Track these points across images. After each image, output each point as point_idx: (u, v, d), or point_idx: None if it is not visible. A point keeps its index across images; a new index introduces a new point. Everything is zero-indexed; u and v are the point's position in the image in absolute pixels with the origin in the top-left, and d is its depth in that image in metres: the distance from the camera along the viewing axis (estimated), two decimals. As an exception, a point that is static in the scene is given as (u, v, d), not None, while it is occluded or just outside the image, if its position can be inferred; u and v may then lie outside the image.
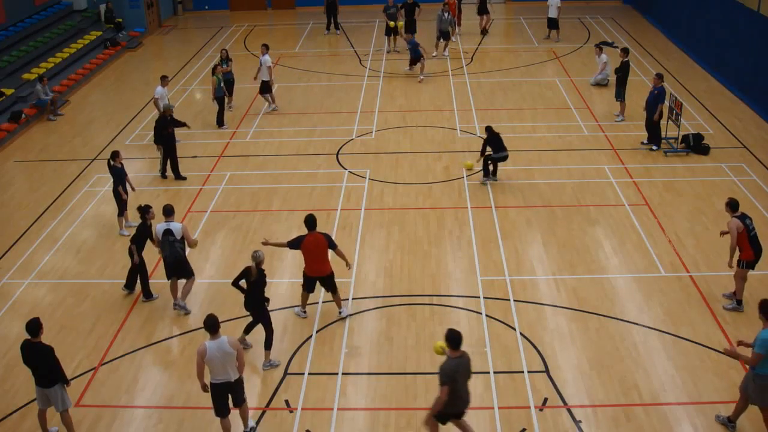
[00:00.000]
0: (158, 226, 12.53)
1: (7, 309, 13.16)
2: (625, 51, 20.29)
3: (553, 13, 27.69)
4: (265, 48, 21.28)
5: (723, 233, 12.66)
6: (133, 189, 15.58)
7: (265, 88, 21.38)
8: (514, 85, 23.30)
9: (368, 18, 32.30)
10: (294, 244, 11.97)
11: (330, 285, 12.20)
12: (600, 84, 22.75)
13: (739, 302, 12.30)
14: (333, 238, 13.16)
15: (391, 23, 26.41)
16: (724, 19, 23.38)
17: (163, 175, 17.79)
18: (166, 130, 17.32)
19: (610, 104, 21.09)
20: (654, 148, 18.26)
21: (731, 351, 9.67)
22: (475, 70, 24.92)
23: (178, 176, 17.68)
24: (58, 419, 10.11)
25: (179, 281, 12.77)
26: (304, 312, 12.47)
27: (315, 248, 11.84)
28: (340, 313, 12.40)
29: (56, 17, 28.75)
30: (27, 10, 27.59)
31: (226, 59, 21.28)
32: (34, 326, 9.65)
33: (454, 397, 8.98)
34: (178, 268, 12.57)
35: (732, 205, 12.20)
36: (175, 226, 12.41)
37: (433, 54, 26.24)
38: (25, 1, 27.63)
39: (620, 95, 20.08)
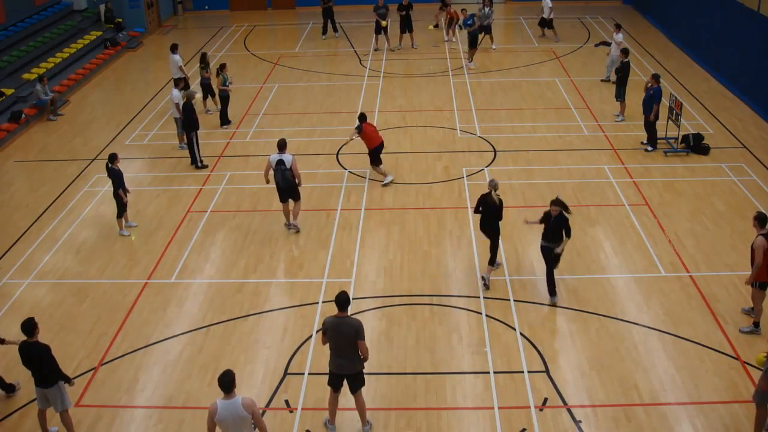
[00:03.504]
0: (272, 156, 14.59)
1: (7, 309, 13.16)
2: (625, 52, 20.28)
3: (545, 15, 28.08)
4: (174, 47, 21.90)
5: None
6: (128, 192, 15.47)
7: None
8: (514, 85, 23.31)
9: (368, 18, 32.23)
10: (359, 128, 16.48)
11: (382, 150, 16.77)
12: (611, 73, 22.33)
13: (756, 324, 11.80)
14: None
15: (383, 22, 26.55)
16: (724, 19, 23.38)
17: (202, 165, 18.13)
18: (193, 115, 17.75)
19: (610, 104, 21.10)
20: (649, 149, 18.24)
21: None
22: (475, 70, 24.91)
23: (195, 161, 18.19)
24: (58, 419, 10.11)
25: (291, 203, 14.96)
26: (387, 176, 16.90)
27: (373, 130, 16.74)
28: (385, 182, 16.88)
29: (56, 17, 28.74)
30: (27, 10, 27.58)
31: (207, 64, 21.22)
32: (28, 326, 9.66)
33: (331, 354, 9.79)
34: (290, 192, 14.77)
35: (761, 220, 11.32)
36: (287, 157, 14.51)
37: (445, 39, 28.51)
38: (25, 1, 27.63)
39: (620, 95, 20.09)
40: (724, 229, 14.81)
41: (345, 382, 9.92)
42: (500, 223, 13.10)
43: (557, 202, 12.19)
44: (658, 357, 11.36)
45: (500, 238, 13.35)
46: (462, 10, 27.02)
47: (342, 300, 9.58)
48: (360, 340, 9.55)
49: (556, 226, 12.23)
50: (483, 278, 13.16)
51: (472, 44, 25.10)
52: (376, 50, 27.47)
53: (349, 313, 12.41)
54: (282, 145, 14.59)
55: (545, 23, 28.20)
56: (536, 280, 13.39)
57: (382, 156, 16.96)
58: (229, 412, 8.29)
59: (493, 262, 13.31)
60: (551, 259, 12.50)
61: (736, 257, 13.81)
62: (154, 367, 11.57)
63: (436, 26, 30.31)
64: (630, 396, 10.60)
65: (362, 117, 16.79)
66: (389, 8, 26.72)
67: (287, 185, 14.63)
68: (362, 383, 9.93)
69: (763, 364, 9.51)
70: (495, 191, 12.82)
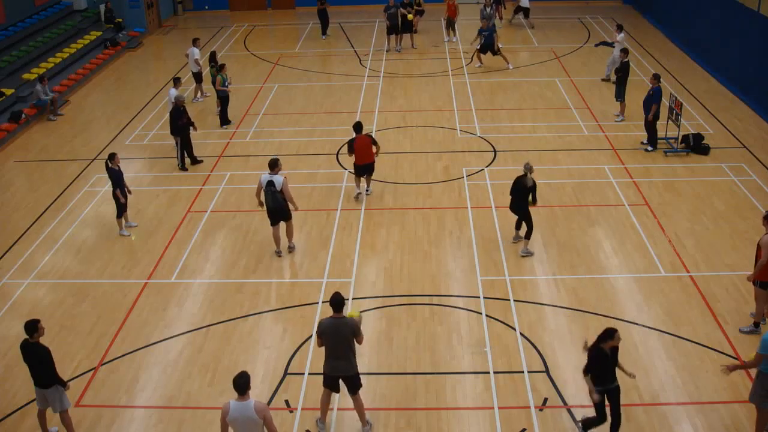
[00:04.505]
0: (262, 177, 13.70)
1: (7, 309, 13.16)
2: (625, 51, 20.29)
3: (525, 3, 29.75)
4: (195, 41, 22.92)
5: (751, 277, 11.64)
6: (129, 192, 15.49)
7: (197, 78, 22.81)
8: (514, 85, 23.31)
9: (368, 18, 32.31)
10: (350, 148, 15.80)
11: (369, 171, 16.13)
12: (611, 72, 22.33)
13: (757, 324, 11.81)
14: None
15: (410, 16, 26.61)
16: (724, 19, 23.38)
17: (183, 168, 18.10)
18: (180, 120, 17.71)
19: (610, 104, 21.09)
20: (649, 149, 18.25)
21: (732, 366, 9.57)
22: (475, 70, 24.91)
23: (194, 161, 18.27)
24: (58, 419, 10.11)
25: (281, 225, 14.19)
26: (367, 190, 16.42)
27: (362, 146, 15.70)
28: (366, 191, 16.40)
29: (56, 17, 28.76)
30: (27, 10, 27.59)
31: (216, 63, 21.23)
32: (31, 327, 9.65)
33: (327, 356, 9.74)
34: (281, 213, 13.94)
35: None
36: (278, 179, 13.65)
37: (445, 39, 28.66)
38: (25, 1, 27.63)
39: (620, 95, 20.09)
40: (724, 229, 14.81)
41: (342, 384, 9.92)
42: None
43: (613, 333, 9.29)
44: (658, 357, 11.36)
45: (530, 219, 13.89)
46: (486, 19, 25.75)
47: (337, 301, 9.60)
48: (359, 336, 9.67)
49: (613, 359, 9.38)
50: (524, 253, 14.01)
51: (494, 51, 24.64)
52: (387, 50, 27.34)
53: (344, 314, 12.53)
54: (272, 165, 13.71)
55: (521, 10, 30.06)
56: (536, 280, 13.39)
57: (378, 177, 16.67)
58: (240, 414, 8.32)
59: (528, 236, 14.00)
60: (614, 407, 9.50)
61: (736, 257, 13.81)
62: (154, 367, 11.57)
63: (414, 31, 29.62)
64: (630, 396, 10.59)
65: (357, 128, 15.90)
66: (399, 8, 26.71)
67: (277, 206, 13.79)
68: (359, 385, 9.94)
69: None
70: (530, 173, 13.47)
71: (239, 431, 8.42)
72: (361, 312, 11.23)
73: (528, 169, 13.52)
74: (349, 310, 10.93)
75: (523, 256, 13.93)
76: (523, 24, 30.34)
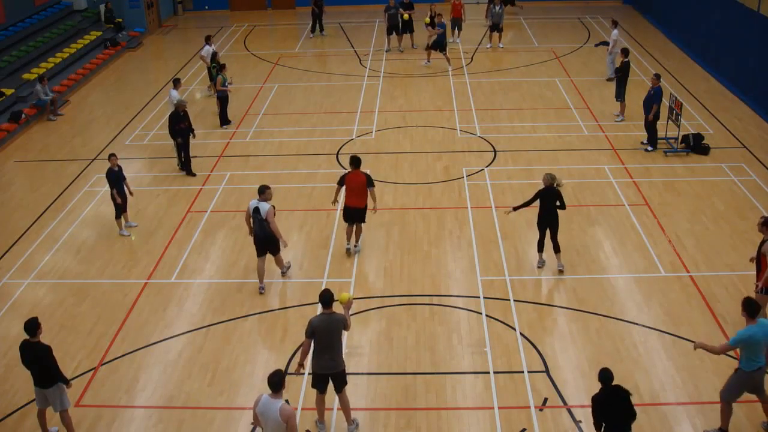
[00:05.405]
0: (251, 202, 12.87)
1: (7, 309, 13.16)
2: (625, 52, 20.29)
3: None
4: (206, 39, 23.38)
5: (753, 259, 11.73)
6: (131, 193, 15.48)
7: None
8: (514, 85, 23.31)
9: (368, 18, 32.32)
10: (340, 181, 13.73)
11: (360, 217, 13.88)
12: (610, 73, 22.40)
13: None
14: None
15: (406, 15, 26.55)
16: (724, 19, 23.38)
17: (182, 168, 18.00)
18: (179, 125, 17.54)
19: (610, 104, 21.10)
20: (649, 149, 18.26)
21: (700, 344, 9.64)
22: (475, 70, 24.92)
23: (189, 172, 17.90)
24: (58, 419, 10.11)
25: (268, 259, 13.26)
26: (355, 245, 14.25)
27: (355, 184, 13.55)
28: (354, 247, 14.21)
29: (56, 17, 28.75)
30: (27, 10, 27.58)
31: (217, 63, 21.27)
32: (32, 326, 9.65)
33: (317, 353, 9.66)
34: (269, 244, 12.94)
35: None
36: (263, 206, 12.70)
37: (449, 40, 28.20)
38: (25, 1, 27.63)
39: (620, 95, 20.09)
40: (724, 229, 14.81)
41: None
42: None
43: (608, 376, 8.80)
44: (658, 357, 11.36)
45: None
46: (438, 14, 25.30)
47: (327, 297, 9.67)
48: (347, 326, 9.73)
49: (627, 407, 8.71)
50: (561, 267, 13.43)
51: (443, 49, 24.73)
52: (387, 50, 27.36)
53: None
54: (260, 191, 12.72)
55: (508, 2, 30.58)
56: (536, 280, 13.39)
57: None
58: (266, 410, 8.39)
59: (557, 249, 13.37)
60: None
61: (736, 257, 13.81)
62: (154, 367, 11.57)
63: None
64: (630, 396, 10.60)
65: (353, 162, 13.73)
66: (399, 8, 26.71)
67: (265, 235, 12.77)
68: (345, 382, 9.95)
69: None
70: (552, 183, 13.05)
71: (264, 426, 8.50)
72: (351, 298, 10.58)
73: (552, 178, 13.08)
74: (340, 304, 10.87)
75: (561, 270, 13.42)
76: (514, 14, 31.10)
